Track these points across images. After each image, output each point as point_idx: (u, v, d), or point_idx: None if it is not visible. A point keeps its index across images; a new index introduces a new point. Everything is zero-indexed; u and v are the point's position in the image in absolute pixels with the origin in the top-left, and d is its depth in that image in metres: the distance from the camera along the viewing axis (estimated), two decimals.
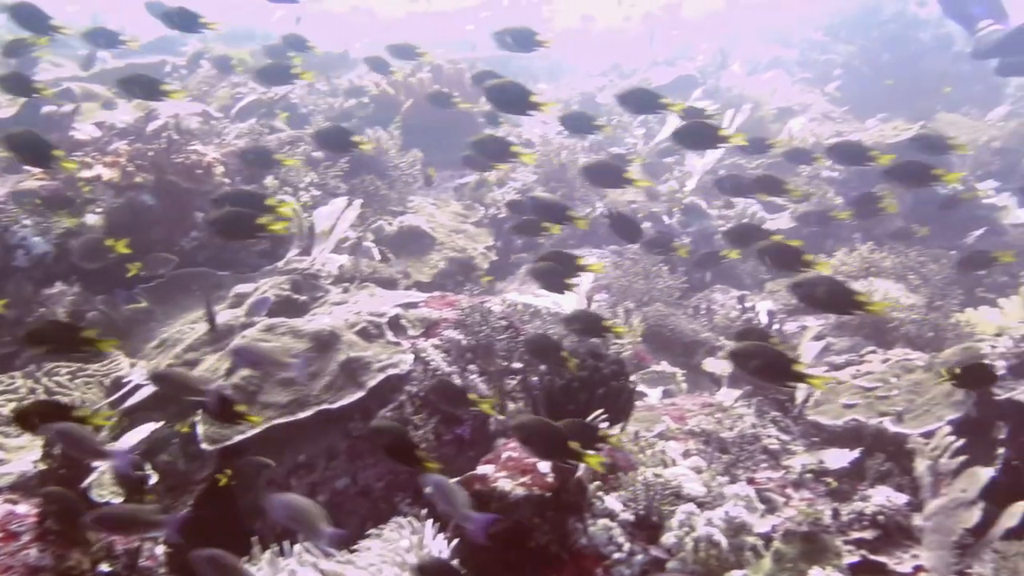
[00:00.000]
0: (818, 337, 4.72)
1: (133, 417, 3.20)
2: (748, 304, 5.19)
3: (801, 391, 4.06)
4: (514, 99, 3.42)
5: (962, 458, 2.96)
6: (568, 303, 5.16)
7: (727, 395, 4.09)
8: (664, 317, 5.12)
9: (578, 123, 3.87)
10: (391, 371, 3.36)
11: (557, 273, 3.27)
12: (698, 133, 3.51)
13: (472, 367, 3.59)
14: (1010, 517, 2.54)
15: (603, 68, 11.13)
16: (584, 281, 5.37)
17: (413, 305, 3.86)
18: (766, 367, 2.60)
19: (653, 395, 4.27)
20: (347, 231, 4.41)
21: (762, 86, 9.93)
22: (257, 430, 3.07)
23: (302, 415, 3.16)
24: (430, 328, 3.73)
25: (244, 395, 3.18)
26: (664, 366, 4.76)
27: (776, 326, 4.76)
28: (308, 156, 5.19)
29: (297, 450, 3.20)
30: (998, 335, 3.85)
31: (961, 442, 2.99)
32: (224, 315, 3.70)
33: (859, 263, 5.59)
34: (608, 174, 3.66)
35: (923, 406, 3.57)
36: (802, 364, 2.58)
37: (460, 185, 6.95)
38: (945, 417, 3.37)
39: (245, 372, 3.23)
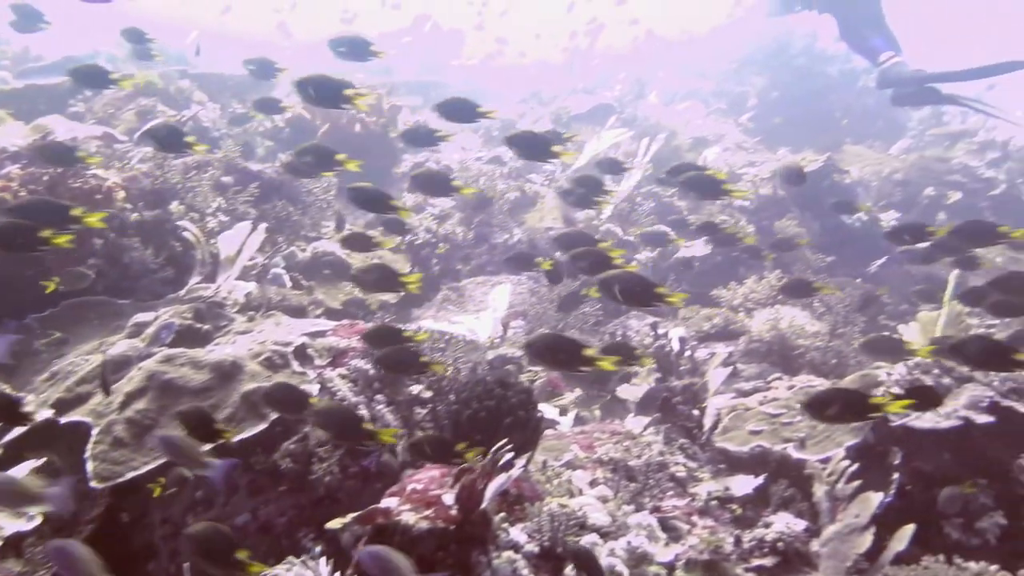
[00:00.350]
0: (727, 363, 4.81)
1: (16, 452, 3.04)
2: (661, 331, 5.24)
3: (709, 418, 4.12)
4: (329, 93, 3.46)
5: (857, 483, 3.04)
6: (484, 330, 5.16)
7: (636, 422, 4.12)
8: None
9: (418, 137, 4.02)
10: None
11: (385, 278, 3.37)
12: (531, 143, 3.56)
13: (379, 396, 3.53)
14: (899, 541, 2.61)
15: (524, 95, 11.25)
16: (500, 307, 5.39)
17: (321, 334, 3.79)
18: (557, 355, 2.71)
19: (565, 422, 4.27)
20: (254, 257, 4.31)
21: (678, 116, 10.17)
22: (151, 466, 2.96)
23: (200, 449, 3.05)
24: (337, 357, 3.66)
25: (138, 428, 3.07)
26: (577, 393, 4.79)
27: (688, 352, 4.83)
28: (216, 181, 5.08)
29: (195, 485, 3.09)
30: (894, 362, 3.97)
31: (855, 467, 3.07)
32: (121, 345, 3.56)
33: (767, 291, 5.72)
34: (435, 183, 3.75)
35: (824, 432, 3.65)
36: (592, 349, 2.67)
37: None
38: (844, 443, 3.46)
39: (140, 405, 3.11)
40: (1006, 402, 3.25)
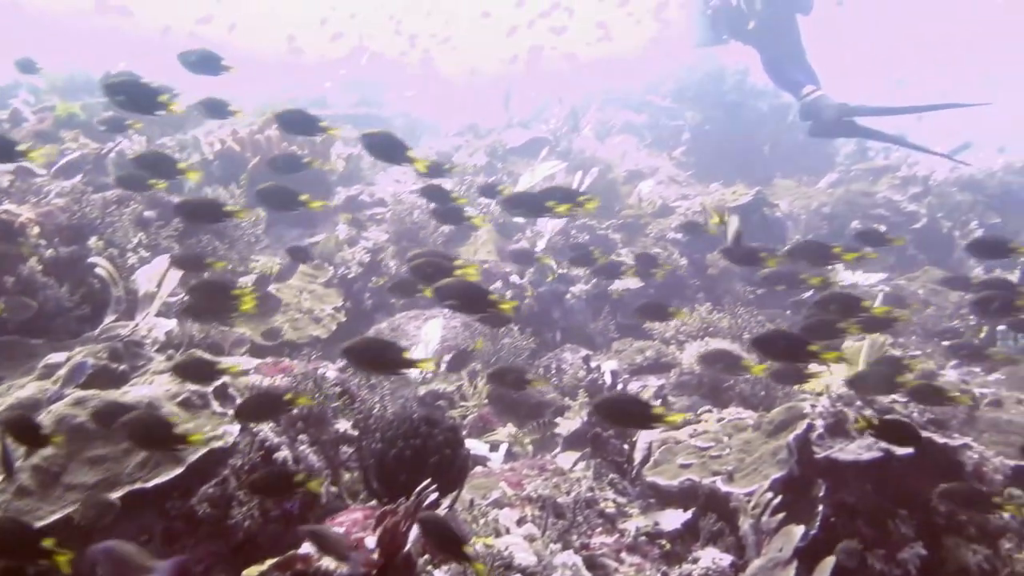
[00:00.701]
0: (658, 396, 4.83)
1: None
2: (593, 364, 5.25)
3: (639, 452, 4.12)
4: (140, 98, 3.39)
5: (781, 516, 3.05)
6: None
7: (566, 458, 4.10)
8: None
9: (288, 164, 4.16)
10: (215, 444, 3.18)
11: (214, 298, 3.35)
12: (384, 145, 3.55)
13: (303, 437, 3.44)
14: (820, 574, 2.62)
15: (460, 128, 11.27)
16: (432, 342, 5.34)
17: (243, 372, 3.69)
18: (376, 361, 2.79)
19: (495, 459, 4.22)
20: (176, 292, 4.20)
21: (613, 149, 10.29)
22: (59, 515, 2.83)
23: (111, 496, 2.94)
24: None
25: (46, 476, 2.94)
26: (510, 428, 4.75)
27: (620, 385, 4.84)
28: (138, 216, 4.94)
29: (106, 534, 2.96)
30: (819, 394, 4.03)
31: (778, 499, 3.09)
32: (30, 387, 3.42)
33: (698, 323, 5.78)
34: (282, 198, 3.75)
35: (752, 465, 3.68)
36: (408, 352, 2.78)
37: (310, 244, 6.80)
38: (770, 475, 3.47)
39: (47, 452, 2.98)
40: (924, 433, 3.31)
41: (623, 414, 2.82)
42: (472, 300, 3.06)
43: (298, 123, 3.59)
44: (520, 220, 7.73)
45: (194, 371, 3.21)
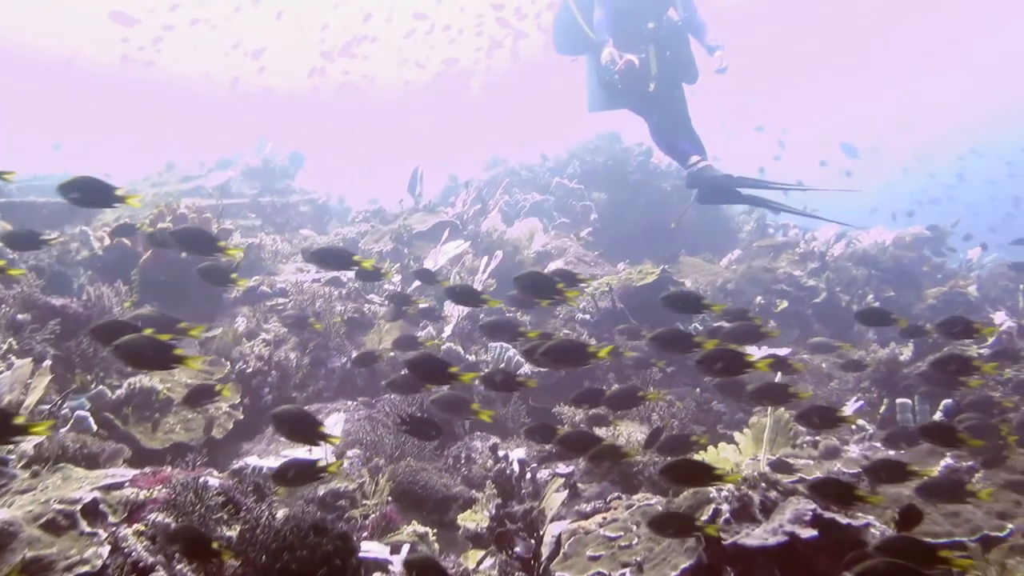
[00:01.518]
0: (567, 484, 4.71)
1: None
2: (501, 453, 5.11)
3: (547, 546, 3.97)
4: None
5: None
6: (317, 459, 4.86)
7: (472, 557, 3.92)
8: (415, 473, 4.92)
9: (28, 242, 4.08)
10: (81, 569, 2.90)
11: None
12: (88, 190, 3.38)
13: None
14: None
15: (366, 214, 11.16)
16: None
17: (117, 486, 3.43)
18: None
19: (396, 562, 4.00)
20: (52, 399, 3.92)
21: (522, 231, 10.33)
22: None
23: None
24: (135, 512, 3.31)
25: None
26: (415, 526, 4.53)
27: (528, 474, 4.70)
28: (11, 320, 4.64)
29: None
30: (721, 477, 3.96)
31: None
32: None
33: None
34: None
35: (660, 554, 3.56)
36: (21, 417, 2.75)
37: (206, 339, 6.53)
38: (680, 565, 3.37)
39: None
40: (827, 514, 3.27)
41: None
42: (155, 353, 3.14)
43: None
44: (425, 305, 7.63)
45: None
